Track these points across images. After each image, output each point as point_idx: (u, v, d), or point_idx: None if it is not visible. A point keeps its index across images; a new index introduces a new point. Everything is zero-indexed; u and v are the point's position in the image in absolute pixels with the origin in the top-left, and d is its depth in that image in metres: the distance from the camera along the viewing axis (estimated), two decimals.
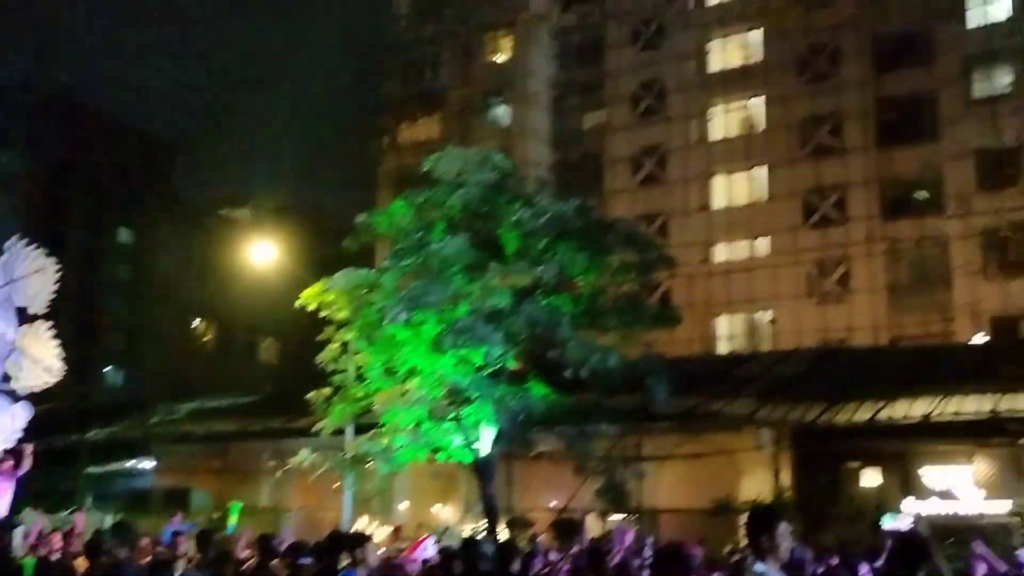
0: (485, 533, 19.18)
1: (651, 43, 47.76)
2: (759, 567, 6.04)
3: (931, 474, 22.78)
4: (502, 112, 50.79)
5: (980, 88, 39.84)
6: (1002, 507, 21.82)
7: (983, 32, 40.01)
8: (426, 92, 51.85)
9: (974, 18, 40.44)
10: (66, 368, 14.32)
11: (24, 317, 14.09)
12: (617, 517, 21.65)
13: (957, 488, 22.34)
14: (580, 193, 26.45)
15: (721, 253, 44.96)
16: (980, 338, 35.75)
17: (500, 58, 51.48)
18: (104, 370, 58.15)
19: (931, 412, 22.00)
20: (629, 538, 13.16)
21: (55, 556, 12.36)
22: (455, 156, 20.85)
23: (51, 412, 20.00)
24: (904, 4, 42.03)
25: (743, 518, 12.32)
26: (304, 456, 20.79)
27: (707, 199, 45.44)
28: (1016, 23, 39.26)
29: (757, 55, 45.60)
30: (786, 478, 23.49)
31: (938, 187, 39.97)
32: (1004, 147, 38.51)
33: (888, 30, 42.09)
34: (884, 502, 22.52)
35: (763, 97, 44.88)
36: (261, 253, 28.35)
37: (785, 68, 44.10)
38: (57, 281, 14.12)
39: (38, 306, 14.04)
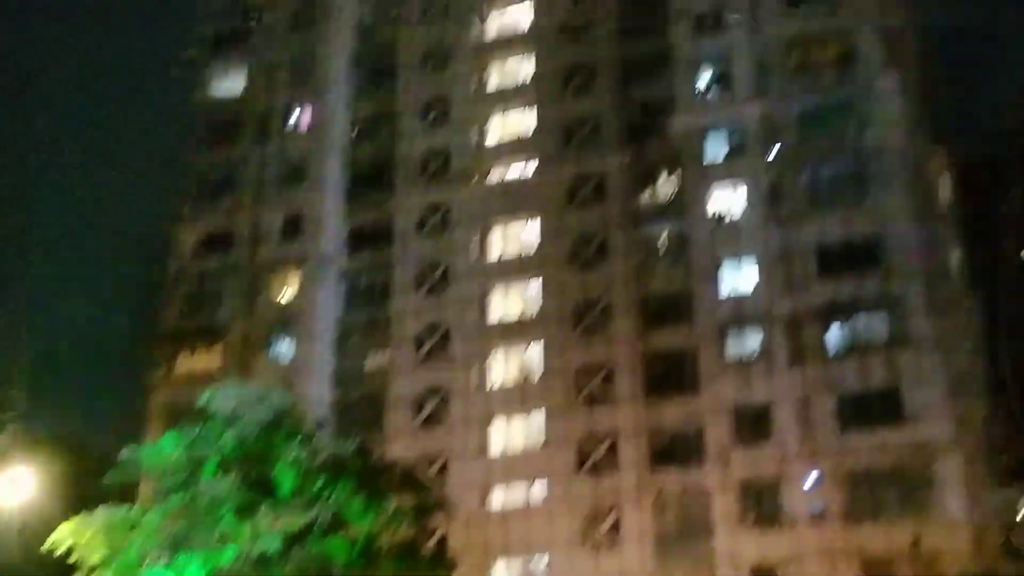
0: None
1: (436, 288, 49.50)
2: None
3: None
4: (285, 348, 50.56)
5: (734, 349, 43.27)
6: None
7: (734, 300, 43.91)
8: (207, 325, 51.11)
9: (727, 286, 44.44)
10: None
11: None
12: None
13: None
14: (361, 433, 26.40)
15: (499, 497, 45.26)
16: None
17: (285, 294, 51.76)
18: None
19: None
20: None
21: None
22: (232, 392, 20.63)
23: None
24: (669, 268, 45.77)
25: None
26: None
27: (486, 442, 46.13)
28: (759, 295, 43.41)
29: (535, 305, 47.96)
30: None
31: (700, 440, 42.27)
32: (757, 404, 41.52)
33: (654, 290, 45.50)
34: None
35: (541, 345, 46.92)
36: (12, 486, 26.30)
37: (561, 319, 46.55)
38: None
39: None
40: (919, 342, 40.18)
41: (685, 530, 41.50)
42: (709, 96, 47.98)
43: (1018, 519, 46.96)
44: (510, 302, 48.94)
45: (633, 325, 45.26)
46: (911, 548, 36.37)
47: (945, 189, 52.00)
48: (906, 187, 42.96)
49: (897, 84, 44.74)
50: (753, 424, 41.39)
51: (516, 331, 47.79)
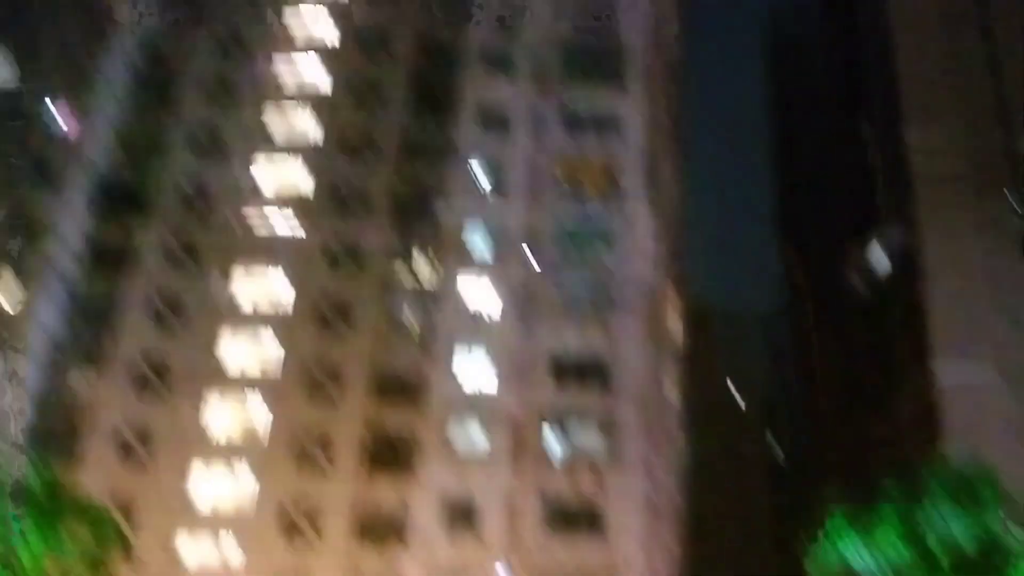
0: None
1: (167, 323, 47.61)
2: None
3: None
4: None
5: (457, 439, 43.85)
6: None
7: (466, 392, 44.58)
8: None
9: (463, 377, 45.02)
10: None
11: None
12: None
13: None
14: (56, 460, 24.57)
15: (192, 550, 43.24)
16: None
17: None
18: None
19: None
20: None
21: None
22: None
23: None
24: (411, 350, 46.04)
25: None
26: None
27: (188, 492, 44.14)
28: (491, 391, 44.41)
29: (268, 360, 46.75)
30: None
31: (407, 521, 42.25)
32: (467, 496, 42.15)
33: (391, 368, 45.58)
34: None
35: (266, 400, 45.77)
36: None
37: (292, 380, 45.82)
38: None
39: None
40: (627, 462, 42.31)
41: None
42: (482, 192, 49.40)
43: None
44: (243, 351, 47.61)
45: (364, 398, 45.15)
46: None
47: (677, 328, 55.70)
48: (642, 317, 45.65)
49: (652, 220, 48.00)
50: (462, 514, 41.95)
51: (243, 383, 46.48)
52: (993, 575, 15.76)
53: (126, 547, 21.80)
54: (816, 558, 17.10)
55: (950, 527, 16.93)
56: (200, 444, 45.01)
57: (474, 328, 45.92)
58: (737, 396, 77.46)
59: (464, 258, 47.69)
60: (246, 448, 44.95)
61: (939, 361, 50.54)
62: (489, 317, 46.20)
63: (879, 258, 60.80)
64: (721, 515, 69.16)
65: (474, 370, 45.21)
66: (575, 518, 41.62)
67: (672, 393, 52.84)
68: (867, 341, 60.89)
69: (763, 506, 72.69)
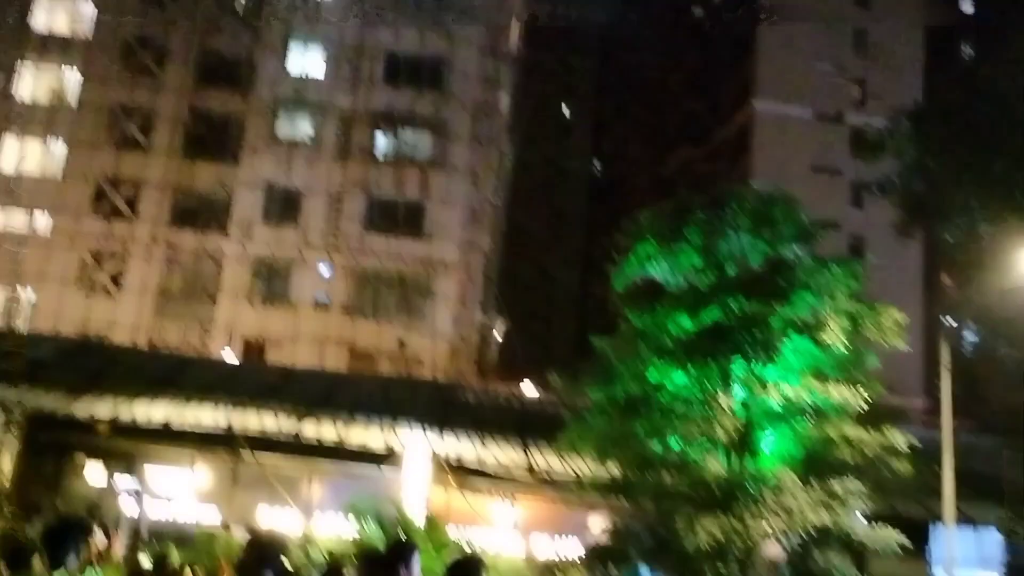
0: None
1: None
2: None
3: (155, 476, 23.70)
4: None
5: (283, 128, 43.04)
6: (214, 515, 23.54)
7: (297, 80, 43.37)
8: None
9: (294, 65, 43.65)
10: None
11: None
12: None
13: (177, 492, 23.55)
14: None
15: None
16: (228, 355, 38.08)
17: None
18: None
19: (167, 418, 22.98)
20: None
21: None
22: None
23: None
24: (239, 30, 43.78)
25: None
26: None
27: None
28: (322, 82, 43.26)
29: (85, 28, 43.79)
30: (8, 464, 22.59)
31: (227, 208, 41.97)
32: (291, 188, 41.98)
33: (217, 47, 43.50)
34: (106, 498, 22.89)
35: (80, 72, 43.15)
36: None
37: (109, 50, 43.02)
38: None
39: None
40: (453, 167, 42.82)
41: (190, 291, 41.51)
42: None
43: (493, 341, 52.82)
44: (58, 15, 44.15)
45: (186, 77, 43.18)
46: (397, 348, 39.66)
47: (515, 34, 54.78)
48: (481, 20, 44.63)
49: None
50: (283, 205, 41.92)
51: (57, 48, 43.38)
52: (779, 298, 17.30)
53: None
54: (620, 272, 18.23)
55: (745, 249, 18.21)
56: (5, 107, 42.40)
57: (308, 16, 43.85)
58: (565, 108, 78.07)
59: None
60: (59, 117, 42.66)
61: (759, 98, 52.42)
62: (325, 6, 44.13)
63: None
64: (538, 225, 71.61)
65: (306, 60, 43.70)
66: (397, 216, 42.28)
67: (503, 100, 52.83)
68: (686, 70, 62.05)
69: (579, 221, 75.51)
